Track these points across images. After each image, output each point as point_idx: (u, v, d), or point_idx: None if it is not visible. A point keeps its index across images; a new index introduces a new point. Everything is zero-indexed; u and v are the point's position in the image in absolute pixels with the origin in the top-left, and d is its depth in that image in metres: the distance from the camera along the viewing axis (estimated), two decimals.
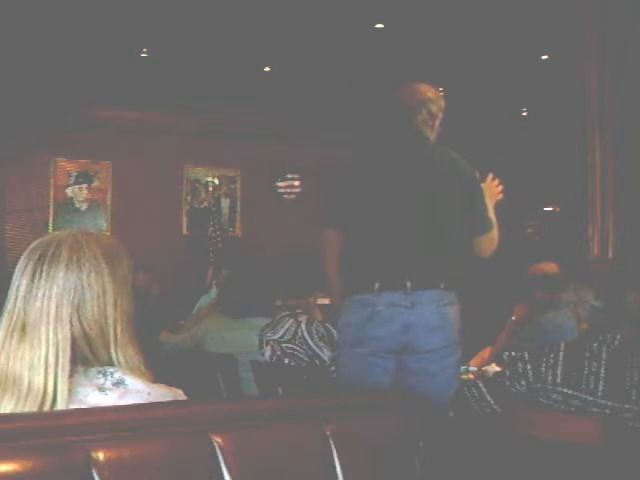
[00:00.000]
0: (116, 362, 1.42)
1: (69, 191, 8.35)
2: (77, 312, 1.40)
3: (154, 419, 1.29)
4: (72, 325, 1.40)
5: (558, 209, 9.13)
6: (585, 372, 2.25)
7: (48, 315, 1.39)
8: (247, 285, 4.19)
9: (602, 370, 2.24)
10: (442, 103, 3.08)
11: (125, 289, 1.46)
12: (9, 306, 1.41)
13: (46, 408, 1.33)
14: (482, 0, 5.63)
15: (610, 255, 4.34)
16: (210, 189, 8.92)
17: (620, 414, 2.20)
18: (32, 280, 1.41)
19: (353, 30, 6.19)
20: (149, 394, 1.39)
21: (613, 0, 4.47)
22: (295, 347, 3.60)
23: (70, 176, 8.34)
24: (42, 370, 1.35)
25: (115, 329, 1.43)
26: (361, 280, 2.92)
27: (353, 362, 2.94)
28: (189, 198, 8.86)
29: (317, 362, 3.57)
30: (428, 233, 2.91)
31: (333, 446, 1.37)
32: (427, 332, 2.83)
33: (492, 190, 3.28)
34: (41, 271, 1.41)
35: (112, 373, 1.39)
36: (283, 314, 3.72)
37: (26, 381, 1.34)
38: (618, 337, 2.30)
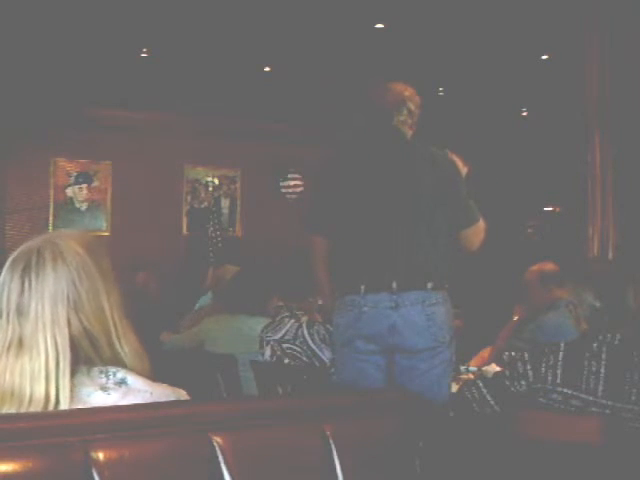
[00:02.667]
0: (121, 351, 1.42)
1: (69, 191, 8.34)
2: (74, 310, 1.40)
3: (154, 419, 1.29)
4: (70, 325, 1.39)
5: (558, 209, 9.13)
6: (585, 372, 2.25)
7: (44, 323, 1.38)
8: (246, 282, 4.19)
9: (602, 370, 2.24)
10: (418, 100, 3.08)
11: (112, 279, 1.47)
12: (2, 322, 1.40)
13: None
14: (482, 0, 5.63)
15: (610, 255, 4.34)
16: (210, 189, 8.92)
17: (620, 414, 2.20)
18: (22, 292, 1.40)
19: (353, 30, 6.18)
20: (151, 394, 1.39)
21: (613, 0, 4.48)
22: (295, 347, 3.60)
23: (70, 176, 8.33)
24: (43, 378, 1.34)
25: (113, 319, 1.43)
26: (348, 282, 2.93)
27: (346, 361, 2.95)
28: (189, 198, 8.85)
29: (317, 363, 3.57)
30: (412, 233, 2.91)
31: (333, 446, 1.37)
32: (413, 333, 2.83)
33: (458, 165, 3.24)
34: (30, 281, 1.40)
35: (114, 373, 1.39)
36: (284, 314, 3.72)
37: (27, 391, 1.34)
38: (618, 337, 2.30)
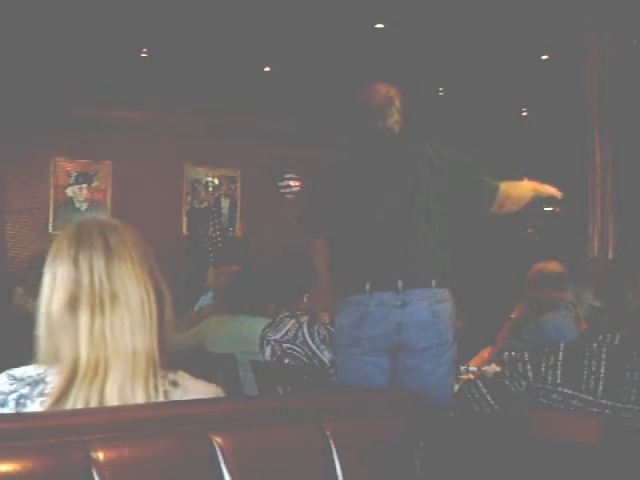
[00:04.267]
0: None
1: (69, 191, 8.34)
2: (157, 272, 1.50)
3: (154, 419, 1.29)
4: (155, 283, 1.48)
5: (558, 209, 9.13)
6: (585, 372, 2.25)
7: (137, 278, 1.43)
8: (247, 283, 4.19)
9: (602, 370, 2.24)
10: (400, 95, 3.11)
11: None
12: (86, 289, 1.40)
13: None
14: (482, 0, 5.63)
15: (610, 255, 4.34)
16: (210, 189, 8.91)
17: (620, 414, 2.20)
18: (110, 256, 1.42)
19: (353, 30, 6.19)
20: (199, 391, 1.46)
21: (613, 0, 4.48)
22: (295, 348, 3.60)
23: (70, 176, 8.33)
24: (147, 329, 1.41)
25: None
26: (352, 282, 2.93)
27: (348, 362, 2.95)
28: (189, 198, 8.85)
29: (317, 363, 3.57)
30: (415, 231, 2.92)
31: (333, 446, 1.37)
32: (419, 330, 2.84)
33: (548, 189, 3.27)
34: (113, 246, 1.43)
35: (165, 375, 1.47)
36: (284, 314, 3.72)
37: (130, 345, 1.39)
38: (618, 337, 2.30)
